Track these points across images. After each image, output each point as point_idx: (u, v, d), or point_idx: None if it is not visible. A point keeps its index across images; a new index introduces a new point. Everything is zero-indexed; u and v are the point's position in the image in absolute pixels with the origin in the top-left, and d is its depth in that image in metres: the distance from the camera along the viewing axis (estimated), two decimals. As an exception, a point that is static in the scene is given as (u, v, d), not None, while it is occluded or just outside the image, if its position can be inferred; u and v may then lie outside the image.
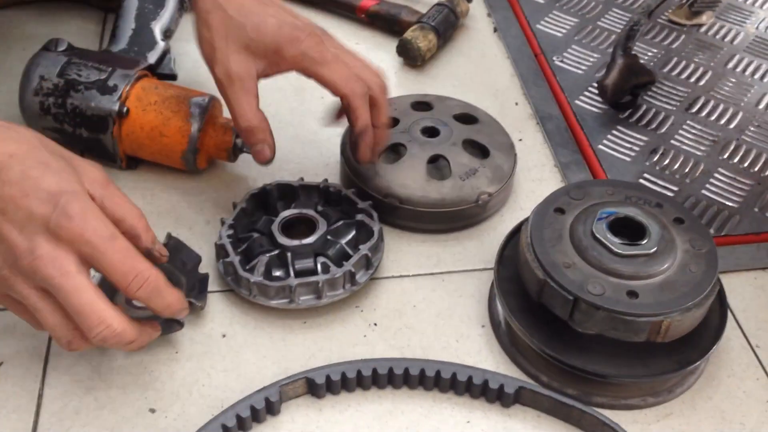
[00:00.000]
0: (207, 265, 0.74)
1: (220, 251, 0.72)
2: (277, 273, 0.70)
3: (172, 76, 0.86)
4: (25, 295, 0.56)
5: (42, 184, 0.55)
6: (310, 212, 0.74)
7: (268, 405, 0.63)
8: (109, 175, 0.60)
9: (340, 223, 0.74)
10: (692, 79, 0.99)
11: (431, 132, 0.82)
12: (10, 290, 0.56)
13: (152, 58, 0.84)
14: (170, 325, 0.67)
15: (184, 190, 0.82)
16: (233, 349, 0.68)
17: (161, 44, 0.86)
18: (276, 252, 0.71)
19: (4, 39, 0.98)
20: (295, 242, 0.71)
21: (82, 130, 0.79)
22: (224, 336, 0.69)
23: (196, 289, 0.70)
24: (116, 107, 0.77)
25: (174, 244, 0.73)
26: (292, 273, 0.70)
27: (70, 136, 0.80)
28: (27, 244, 0.54)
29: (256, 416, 0.63)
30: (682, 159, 0.87)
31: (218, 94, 0.82)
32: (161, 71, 0.85)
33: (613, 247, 0.64)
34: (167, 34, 0.87)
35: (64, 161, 0.58)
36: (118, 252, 0.56)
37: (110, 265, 0.56)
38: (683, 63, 1.01)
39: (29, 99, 0.79)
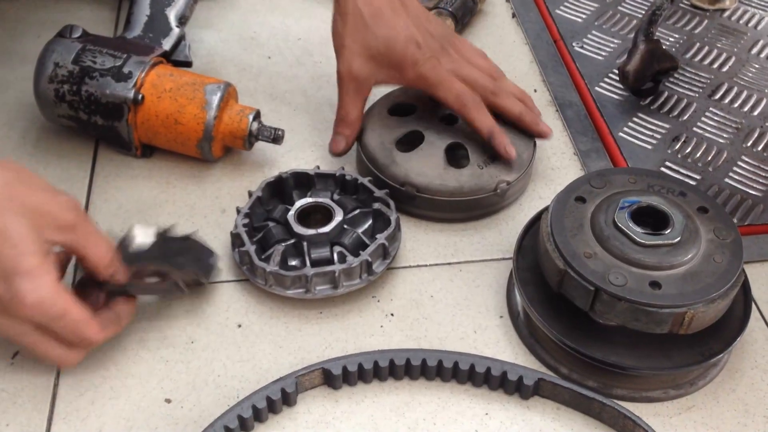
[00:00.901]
0: (222, 255, 0.73)
1: (236, 240, 0.71)
2: (293, 262, 0.70)
3: (187, 63, 0.85)
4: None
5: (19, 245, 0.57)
6: (327, 201, 0.73)
7: (284, 396, 0.62)
8: (82, 211, 0.63)
9: (357, 212, 0.73)
10: (715, 65, 0.97)
11: (449, 119, 0.80)
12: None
13: (167, 44, 0.84)
14: (171, 290, 0.66)
15: (199, 179, 0.81)
16: (249, 339, 0.68)
17: (176, 31, 0.85)
18: (292, 241, 0.70)
19: (18, 25, 0.98)
20: (311, 231, 0.70)
21: (97, 117, 0.78)
22: (240, 326, 0.69)
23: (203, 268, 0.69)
24: (131, 94, 0.77)
25: (187, 244, 0.71)
26: (308, 262, 0.69)
27: (85, 123, 0.79)
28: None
29: (272, 407, 0.62)
30: (704, 147, 0.86)
31: (233, 81, 0.81)
32: (176, 58, 0.84)
33: (635, 237, 0.62)
34: (182, 20, 0.87)
35: (26, 220, 0.58)
36: (65, 328, 0.60)
37: (61, 335, 0.60)
38: (706, 48, 0.99)
39: (44, 86, 0.78)
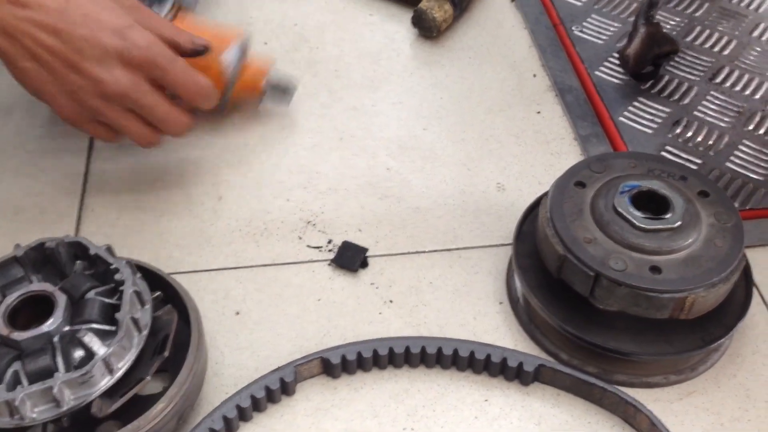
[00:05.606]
0: None
1: None
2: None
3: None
4: (113, 118, 0.67)
5: (104, 22, 0.63)
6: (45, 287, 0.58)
7: (283, 385, 0.62)
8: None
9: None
10: (716, 49, 0.96)
11: None
12: (100, 117, 0.67)
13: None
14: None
15: (198, 159, 0.81)
16: (247, 327, 0.68)
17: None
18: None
19: None
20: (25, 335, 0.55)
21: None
22: (238, 313, 0.69)
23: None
24: None
25: None
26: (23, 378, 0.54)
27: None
28: (110, 76, 0.64)
29: (271, 396, 0.62)
30: (705, 131, 0.85)
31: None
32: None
33: (635, 222, 0.62)
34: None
35: None
36: (180, 70, 0.67)
37: (175, 81, 0.67)
38: (707, 32, 0.98)
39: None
